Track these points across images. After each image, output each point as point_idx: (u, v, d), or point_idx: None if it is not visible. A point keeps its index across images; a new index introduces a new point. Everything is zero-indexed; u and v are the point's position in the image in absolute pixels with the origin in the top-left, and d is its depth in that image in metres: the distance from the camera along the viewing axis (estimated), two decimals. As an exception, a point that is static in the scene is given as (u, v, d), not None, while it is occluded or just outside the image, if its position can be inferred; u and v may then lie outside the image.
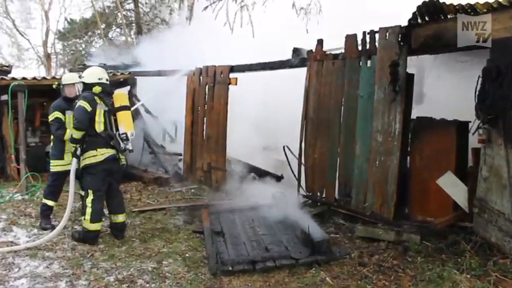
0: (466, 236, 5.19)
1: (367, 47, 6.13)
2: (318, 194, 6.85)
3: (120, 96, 5.80)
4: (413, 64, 6.25)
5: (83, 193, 5.85)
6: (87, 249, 5.42)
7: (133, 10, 19.30)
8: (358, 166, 6.22)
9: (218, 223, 6.22)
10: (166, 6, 19.59)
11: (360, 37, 6.20)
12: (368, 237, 5.65)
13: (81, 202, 6.59)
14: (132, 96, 10.28)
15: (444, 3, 5.15)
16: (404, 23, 5.65)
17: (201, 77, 8.97)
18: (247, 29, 6.58)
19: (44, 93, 8.91)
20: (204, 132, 8.89)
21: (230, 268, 4.76)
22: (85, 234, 5.64)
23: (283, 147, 7.21)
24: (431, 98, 7.15)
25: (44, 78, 9.55)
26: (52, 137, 6.40)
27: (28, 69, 24.88)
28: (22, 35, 24.92)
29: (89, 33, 21.00)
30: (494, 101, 4.85)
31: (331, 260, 4.98)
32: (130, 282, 4.57)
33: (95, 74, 5.79)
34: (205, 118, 8.86)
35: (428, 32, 5.47)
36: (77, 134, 5.50)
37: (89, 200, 5.54)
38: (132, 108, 6.03)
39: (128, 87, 10.28)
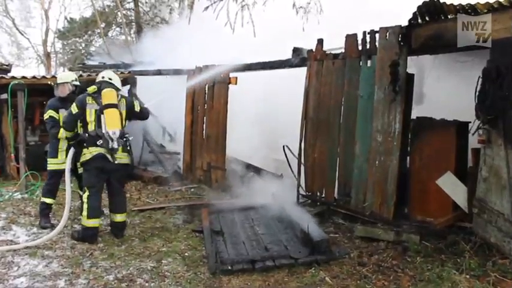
0: (465, 236, 5.18)
1: (367, 46, 6.13)
2: (318, 193, 6.85)
3: (108, 94, 5.70)
4: (414, 64, 6.24)
5: (81, 192, 5.86)
6: (86, 248, 5.42)
7: (133, 9, 19.28)
8: (358, 166, 6.22)
9: (218, 222, 6.22)
10: (166, 6, 19.58)
11: (360, 37, 6.20)
12: (367, 237, 5.65)
13: (80, 201, 6.63)
14: (132, 95, 10.29)
15: (444, 3, 5.15)
16: (404, 22, 5.64)
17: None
18: (248, 29, 6.57)
19: (43, 92, 8.88)
20: (204, 131, 8.88)
21: (229, 267, 4.76)
22: (83, 232, 5.66)
23: (283, 146, 7.21)
24: (431, 98, 7.15)
25: (43, 77, 9.55)
26: (50, 137, 6.42)
27: (28, 68, 24.89)
28: (22, 34, 24.91)
29: (89, 33, 20.97)
30: (494, 101, 4.85)
31: (330, 259, 4.98)
32: (130, 281, 4.57)
33: (100, 74, 6.06)
34: (205, 117, 8.85)
35: (429, 32, 5.47)
36: (67, 134, 5.83)
37: (85, 196, 5.68)
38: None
39: (128, 86, 10.27)
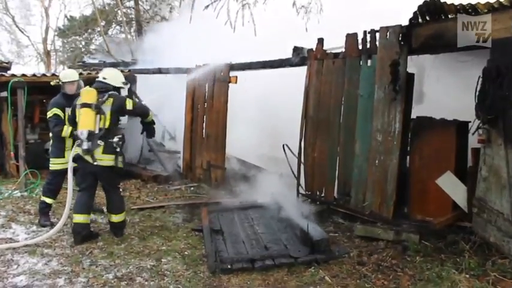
0: (465, 236, 5.19)
1: (368, 46, 6.12)
2: (317, 192, 6.85)
3: (84, 93, 5.62)
4: (414, 64, 6.24)
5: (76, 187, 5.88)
6: (86, 247, 5.43)
7: (133, 8, 19.26)
8: (358, 165, 6.21)
9: (217, 221, 6.22)
10: (166, 4, 19.55)
11: (360, 36, 6.19)
12: (367, 236, 5.65)
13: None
14: (132, 94, 10.28)
15: (445, 2, 5.15)
16: (405, 22, 5.64)
17: (201, 75, 8.97)
18: (248, 28, 6.56)
19: (43, 90, 8.91)
20: (204, 130, 8.88)
21: (229, 266, 4.77)
22: (72, 227, 5.73)
23: (283, 145, 7.20)
24: (431, 98, 7.15)
25: (43, 75, 9.54)
26: (51, 134, 6.40)
27: (27, 66, 24.87)
28: (22, 32, 24.87)
29: (89, 31, 20.94)
30: (494, 101, 4.85)
31: (330, 259, 4.99)
32: (129, 279, 4.58)
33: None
34: (205, 116, 8.85)
35: (429, 32, 5.46)
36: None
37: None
38: None
39: (128, 85, 10.26)
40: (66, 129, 6.05)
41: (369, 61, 6.11)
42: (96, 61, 16.10)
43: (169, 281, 4.56)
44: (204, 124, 8.87)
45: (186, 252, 5.30)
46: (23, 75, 9.06)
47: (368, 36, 6.10)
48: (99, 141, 5.48)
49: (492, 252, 4.82)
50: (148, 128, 6.24)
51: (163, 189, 8.57)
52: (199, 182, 8.82)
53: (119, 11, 18.90)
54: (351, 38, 6.31)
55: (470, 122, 5.45)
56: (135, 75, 10.58)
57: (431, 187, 5.63)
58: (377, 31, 5.97)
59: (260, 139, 8.46)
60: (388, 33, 5.82)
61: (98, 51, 18.86)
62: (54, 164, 6.33)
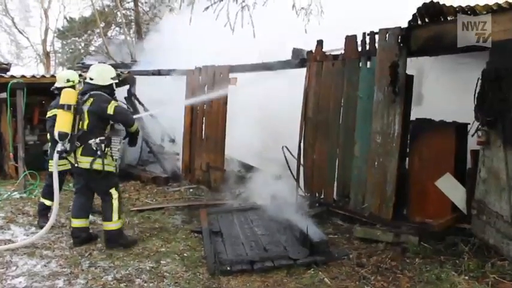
0: (464, 238, 5.19)
1: (367, 48, 6.13)
2: (317, 194, 6.86)
3: (63, 94, 5.47)
4: (413, 65, 6.25)
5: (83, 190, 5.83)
6: (85, 248, 5.42)
7: (132, 9, 19.29)
8: (357, 167, 6.22)
9: (216, 223, 6.22)
10: (165, 6, 19.58)
11: (359, 38, 6.20)
12: (366, 238, 5.65)
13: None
14: (131, 95, 10.29)
15: (444, 4, 5.15)
16: (404, 24, 5.65)
17: (200, 77, 8.98)
18: (247, 29, 6.56)
19: (42, 91, 8.89)
20: (203, 132, 8.88)
21: (228, 268, 4.76)
22: (71, 231, 5.68)
23: (282, 147, 7.20)
24: (430, 100, 7.16)
25: (43, 76, 9.55)
26: (49, 136, 6.39)
27: (27, 68, 24.86)
28: (21, 33, 24.91)
29: (88, 32, 20.97)
30: (493, 103, 4.86)
31: (329, 260, 4.98)
32: (129, 281, 4.57)
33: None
34: (204, 118, 8.86)
35: (428, 34, 5.47)
36: None
37: None
38: (137, 116, 5.88)
39: (127, 86, 10.27)
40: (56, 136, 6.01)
41: (368, 63, 6.12)
42: (95, 62, 16.10)
43: (168, 282, 4.56)
44: (204, 126, 8.87)
45: (185, 254, 5.29)
46: (23, 76, 9.06)
47: (367, 38, 6.11)
48: (77, 143, 5.32)
49: (491, 254, 4.83)
50: (131, 137, 5.78)
51: (163, 190, 8.57)
52: (198, 183, 8.82)
53: (118, 13, 18.94)
54: (350, 39, 6.32)
55: (469, 123, 5.46)
56: (135, 76, 10.58)
57: (430, 189, 5.64)
58: (376, 33, 5.98)
59: (259, 141, 8.46)
60: (387, 35, 5.83)
61: (98, 52, 18.87)
62: (52, 166, 6.32)
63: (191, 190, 8.54)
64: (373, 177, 6.01)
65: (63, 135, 5.28)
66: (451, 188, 5.53)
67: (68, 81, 6.45)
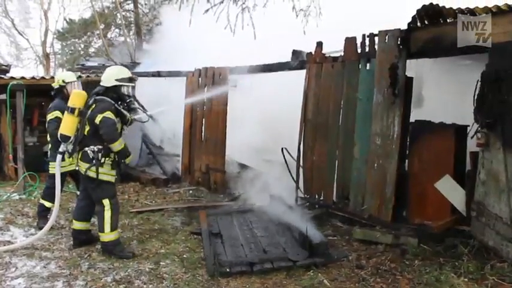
0: (463, 240, 5.18)
1: (367, 49, 6.13)
2: (316, 196, 6.86)
3: (72, 95, 5.43)
4: (412, 67, 6.26)
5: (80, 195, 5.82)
6: (84, 250, 5.42)
7: (132, 11, 19.29)
8: (357, 169, 6.22)
9: (216, 225, 6.22)
10: (166, 4, 19.55)
11: (359, 40, 6.21)
12: (366, 239, 5.65)
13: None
14: (131, 97, 10.27)
15: (443, 6, 5.16)
16: (403, 26, 5.65)
17: (200, 78, 8.99)
18: (247, 31, 6.58)
19: (42, 93, 8.88)
20: (203, 133, 8.88)
21: (228, 270, 4.76)
22: (71, 232, 5.68)
23: (282, 149, 7.21)
24: (430, 102, 7.17)
25: (42, 78, 9.53)
26: (48, 137, 6.39)
27: (27, 69, 24.92)
28: (21, 35, 24.94)
29: (88, 34, 20.99)
30: (493, 105, 4.86)
31: (328, 262, 4.98)
32: (128, 282, 4.57)
33: None
34: (203, 119, 8.86)
35: (428, 36, 5.48)
36: None
37: None
38: (136, 117, 5.77)
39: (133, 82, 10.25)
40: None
41: (368, 65, 6.12)
42: (95, 64, 16.12)
43: (167, 284, 4.55)
44: (203, 127, 8.87)
45: (184, 256, 5.29)
46: (22, 78, 9.06)
47: (367, 40, 6.12)
48: (77, 147, 5.28)
49: (491, 256, 4.82)
50: (117, 153, 5.32)
51: (162, 192, 8.56)
52: (198, 185, 8.81)
53: (118, 14, 18.95)
54: (350, 41, 6.33)
55: (468, 125, 5.46)
56: (136, 76, 10.56)
57: (430, 191, 5.64)
58: (376, 35, 5.99)
59: (259, 142, 8.46)
60: (387, 37, 5.84)
61: (98, 54, 18.89)
62: (54, 168, 6.31)
63: (191, 192, 8.54)
64: (372, 179, 6.01)
65: (64, 138, 5.28)
66: (450, 189, 5.52)
67: (64, 82, 6.45)
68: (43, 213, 6.35)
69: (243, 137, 8.27)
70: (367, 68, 6.13)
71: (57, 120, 6.21)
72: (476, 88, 5.06)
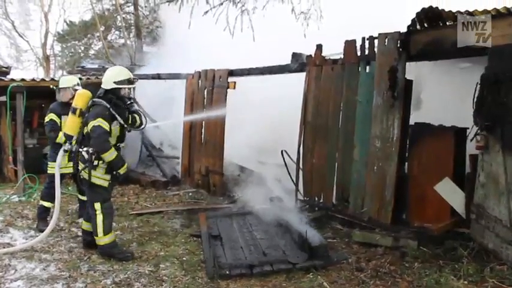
0: (463, 242, 5.19)
1: (366, 52, 6.14)
2: (316, 198, 6.85)
3: (76, 95, 5.47)
4: (412, 70, 6.27)
5: (80, 196, 5.83)
6: (84, 252, 5.42)
7: (132, 13, 19.29)
8: (356, 171, 6.22)
9: (216, 227, 6.21)
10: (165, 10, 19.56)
11: (359, 43, 6.22)
12: (365, 242, 5.65)
13: (78, 204, 6.62)
14: (131, 99, 10.28)
15: (443, 9, 5.18)
16: (403, 29, 5.67)
17: (199, 81, 9.00)
18: (247, 33, 6.59)
19: (42, 94, 8.91)
20: (202, 135, 8.89)
21: (227, 272, 4.77)
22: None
23: (281, 151, 7.21)
24: (429, 104, 7.17)
25: (42, 79, 9.56)
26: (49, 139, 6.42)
27: (27, 71, 24.81)
28: (21, 37, 24.86)
29: (88, 36, 20.98)
30: (492, 107, 4.87)
31: (328, 264, 4.98)
32: (128, 285, 4.57)
33: None
34: (203, 122, 8.86)
35: (427, 39, 5.49)
36: None
37: None
38: (142, 127, 5.75)
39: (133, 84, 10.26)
40: (61, 136, 6.03)
41: (368, 67, 6.13)
42: (95, 66, 16.13)
43: (167, 286, 4.56)
44: (203, 130, 8.87)
45: (184, 258, 5.29)
46: (22, 79, 9.08)
47: (367, 42, 6.12)
48: (77, 147, 5.31)
49: (490, 259, 4.82)
50: (109, 163, 5.23)
51: (162, 194, 8.56)
52: (197, 187, 8.81)
53: (118, 16, 18.96)
54: (350, 44, 6.34)
55: (468, 128, 5.46)
56: (136, 77, 10.57)
57: (429, 193, 5.64)
58: (375, 38, 6.00)
59: (259, 145, 8.47)
60: (386, 40, 5.84)
61: (98, 57, 18.89)
62: (53, 168, 6.32)
63: (190, 194, 8.54)
64: (372, 181, 6.01)
65: (68, 137, 5.41)
66: (450, 192, 5.53)
67: (56, 87, 6.52)
68: (43, 215, 6.35)
69: (242, 139, 8.29)
70: (367, 70, 6.14)
71: (52, 123, 6.27)
72: (475, 91, 5.07)
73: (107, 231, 5.25)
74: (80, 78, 7.72)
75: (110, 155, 5.12)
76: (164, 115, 10.04)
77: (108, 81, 5.29)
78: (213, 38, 9.02)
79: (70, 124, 5.39)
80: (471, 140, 5.29)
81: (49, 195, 6.35)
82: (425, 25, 5.49)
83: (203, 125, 8.86)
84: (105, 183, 5.25)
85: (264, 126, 8.29)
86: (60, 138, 6.07)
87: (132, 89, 5.58)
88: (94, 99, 5.25)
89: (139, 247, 5.64)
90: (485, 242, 4.99)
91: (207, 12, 6.40)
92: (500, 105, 4.77)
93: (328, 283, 4.58)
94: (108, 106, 5.15)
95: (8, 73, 12.29)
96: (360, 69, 6.23)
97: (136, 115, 5.55)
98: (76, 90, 6.36)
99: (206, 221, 6.37)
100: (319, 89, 6.78)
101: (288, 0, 6.88)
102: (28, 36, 24.90)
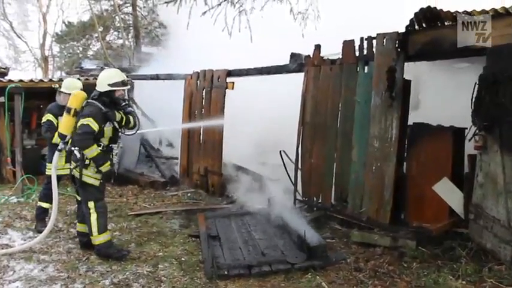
0: (461, 242, 5.19)
1: (365, 52, 6.15)
2: (315, 199, 6.86)
3: (71, 96, 5.45)
4: (410, 70, 6.28)
5: (78, 197, 5.81)
6: (82, 253, 5.42)
7: (131, 13, 19.31)
8: (355, 171, 6.22)
9: (214, 227, 6.21)
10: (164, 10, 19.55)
11: (357, 43, 6.22)
12: (364, 242, 5.65)
13: (76, 205, 6.60)
14: (129, 100, 10.28)
15: (441, 9, 5.18)
16: (401, 29, 5.67)
17: (198, 81, 9.00)
18: (245, 34, 6.60)
19: (40, 95, 8.92)
20: (201, 136, 8.89)
21: (226, 272, 4.76)
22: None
23: (280, 152, 7.21)
24: (427, 104, 7.18)
25: (41, 80, 9.56)
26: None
27: (25, 72, 24.85)
28: (19, 37, 24.88)
29: (87, 36, 20.98)
30: (490, 107, 4.87)
31: (327, 265, 4.98)
32: (126, 285, 4.57)
33: None
34: (201, 122, 8.86)
35: (426, 39, 5.49)
36: None
37: None
38: (143, 131, 5.74)
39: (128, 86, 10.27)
40: (57, 136, 6.01)
41: (366, 68, 6.13)
42: (94, 66, 16.13)
43: (166, 287, 4.55)
44: (201, 130, 8.87)
45: (183, 258, 5.29)
46: (21, 80, 9.09)
47: (365, 42, 6.13)
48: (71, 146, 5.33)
49: (489, 259, 4.83)
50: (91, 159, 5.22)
51: (161, 195, 8.56)
52: (196, 188, 8.81)
53: (117, 17, 18.96)
54: (348, 44, 6.34)
55: (466, 128, 5.47)
56: (133, 81, 10.59)
57: (428, 193, 5.64)
58: (374, 38, 6.00)
59: (257, 145, 8.47)
60: (384, 40, 5.85)
61: (96, 57, 18.89)
62: (50, 169, 6.31)
63: (189, 194, 8.53)
64: (370, 181, 6.01)
65: (62, 136, 5.39)
66: (448, 192, 5.53)
67: (56, 88, 6.53)
68: (41, 216, 6.34)
69: (241, 140, 8.29)
70: (365, 70, 6.14)
71: (48, 123, 6.27)
72: (473, 91, 5.07)
73: (101, 230, 5.25)
74: (78, 79, 7.72)
75: (91, 151, 5.12)
76: (163, 115, 10.06)
77: (102, 83, 5.30)
78: (212, 39, 9.01)
79: (64, 124, 5.39)
80: (469, 140, 5.29)
81: (47, 196, 6.34)
82: (424, 25, 5.50)
83: (201, 126, 8.85)
84: (96, 182, 5.27)
85: (262, 126, 8.29)
86: (56, 138, 6.05)
87: (126, 91, 5.58)
88: (88, 100, 5.27)
89: (137, 248, 5.64)
90: (484, 242, 4.99)
91: (205, 13, 6.40)
92: (499, 106, 4.77)
93: (327, 283, 4.58)
94: (102, 107, 5.17)
95: (6, 74, 12.27)
96: (358, 70, 6.23)
97: (130, 116, 5.55)
98: None
99: (205, 221, 6.37)
100: (318, 89, 6.78)
101: (286, 1, 6.87)
102: (26, 37, 24.94)
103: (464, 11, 5.02)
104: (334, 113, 6.55)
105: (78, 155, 5.19)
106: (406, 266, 4.92)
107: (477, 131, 5.08)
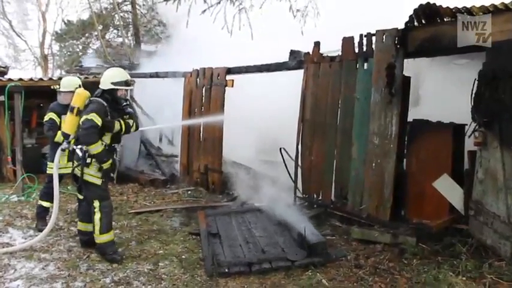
0: (461, 239, 5.20)
1: (364, 49, 6.14)
2: (315, 196, 6.86)
3: (74, 95, 5.44)
4: (410, 66, 6.27)
5: (80, 195, 5.82)
6: (83, 251, 5.42)
7: (130, 12, 19.26)
8: (355, 168, 6.23)
9: (214, 225, 6.21)
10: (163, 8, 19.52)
11: (356, 39, 6.21)
12: (364, 239, 5.65)
13: (77, 203, 6.60)
14: (127, 100, 10.28)
15: (440, 6, 5.17)
16: (401, 25, 5.66)
17: (198, 79, 8.99)
18: (245, 31, 6.60)
19: (40, 94, 8.91)
20: (201, 134, 8.89)
21: (226, 270, 4.77)
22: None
23: (280, 149, 7.21)
24: (427, 101, 7.17)
25: (40, 79, 9.54)
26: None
27: (25, 71, 24.85)
28: (19, 36, 24.87)
29: (86, 35, 20.95)
30: (490, 104, 4.87)
31: (327, 262, 4.99)
32: (127, 283, 4.57)
33: None
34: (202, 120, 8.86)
35: (425, 35, 5.48)
36: None
37: None
38: (143, 128, 5.72)
39: (131, 86, 10.27)
40: (60, 135, 6.01)
41: (366, 64, 6.13)
42: (93, 65, 16.12)
43: (166, 285, 4.56)
44: (201, 127, 8.87)
45: (183, 256, 5.29)
46: (20, 79, 9.07)
47: (364, 39, 6.12)
48: (74, 145, 5.35)
49: (489, 255, 4.84)
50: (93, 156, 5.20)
51: (161, 193, 8.56)
52: (196, 185, 8.81)
53: (116, 15, 18.92)
54: (348, 41, 6.34)
55: (466, 124, 5.47)
56: (133, 79, 10.57)
57: (428, 190, 5.65)
58: (373, 34, 6.00)
59: (257, 142, 8.48)
60: (384, 37, 5.84)
61: (96, 56, 18.86)
62: (52, 168, 6.31)
63: (189, 192, 8.54)
64: (370, 178, 6.01)
65: (64, 136, 5.42)
66: (448, 188, 5.54)
67: (80, 86, 6.51)
68: (42, 215, 6.34)
69: (241, 137, 8.29)
70: (365, 67, 6.14)
71: (51, 122, 6.26)
72: (473, 87, 5.07)
73: (103, 230, 5.23)
74: (78, 77, 7.70)
75: (96, 147, 5.12)
76: (163, 113, 10.06)
77: (105, 81, 5.32)
78: (211, 36, 9.01)
79: (68, 123, 5.41)
80: (469, 137, 5.30)
81: (48, 195, 6.34)
82: (423, 21, 5.49)
83: (201, 123, 8.85)
84: (98, 181, 5.26)
85: (262, 123, 8.29)
86: (59, 137, 6.06)
87: (128, 91, 5.59)
88: (91, 98, 5.30)
89: (138, 246, 5.64)
90: (484, 238, 5.00)
91: (204, 11, 6.41)
92: (498, 102, 4.78)
93: (327, 280, 4.58)
94: (105, 104, 5.20)
95: (5, 73, 12.25)
96: (357, 66, 6.23)
97: (130, 120, 5.54)
98: None
99: (205, 219, 6.37)
100: (317, 86, 6.78)
101: (285, -2, 6.88)
102: (26, 36, 24.93)
103: (464, 7, 5.01)
104: (334, 110, 6.55)
105: (80, 154, 5.19)
106: (406, 263, 4.94)
107: (477, 127, 5.08)
